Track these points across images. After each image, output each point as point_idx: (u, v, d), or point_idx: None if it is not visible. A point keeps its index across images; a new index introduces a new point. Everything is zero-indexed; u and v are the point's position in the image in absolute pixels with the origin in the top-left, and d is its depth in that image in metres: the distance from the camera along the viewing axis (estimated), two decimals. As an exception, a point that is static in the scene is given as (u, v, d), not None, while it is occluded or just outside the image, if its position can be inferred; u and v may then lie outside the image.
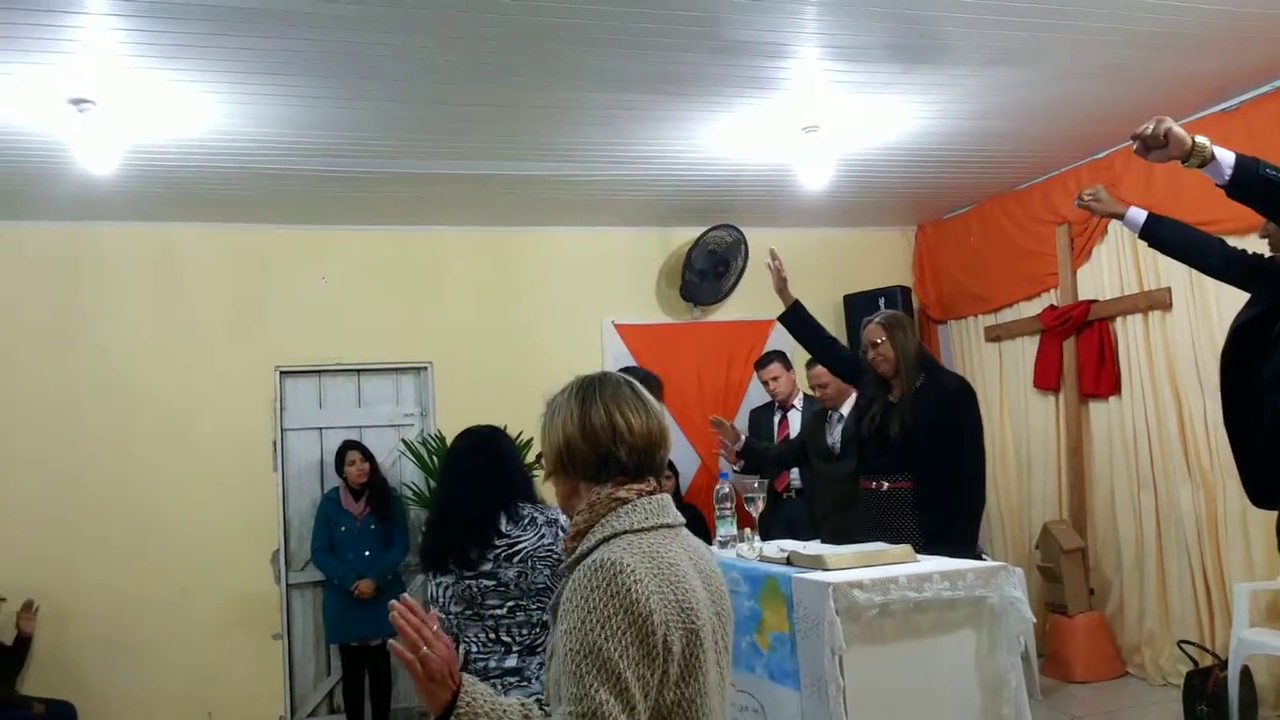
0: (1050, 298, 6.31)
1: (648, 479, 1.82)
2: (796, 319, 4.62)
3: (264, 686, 5.83)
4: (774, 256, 4.69)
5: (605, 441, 1.78)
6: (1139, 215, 3.55)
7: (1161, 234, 3.53)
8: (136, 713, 5.56)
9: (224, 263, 6.04)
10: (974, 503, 4.06)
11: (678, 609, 1.63)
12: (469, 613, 2.97)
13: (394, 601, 1.61)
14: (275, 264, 6.12)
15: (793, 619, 2.75)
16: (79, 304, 5.77)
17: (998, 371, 6.82)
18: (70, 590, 5.51)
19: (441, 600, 3.01)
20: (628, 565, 1.62)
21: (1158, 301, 5.53)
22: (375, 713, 5.77)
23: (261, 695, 5.81)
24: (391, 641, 1.58)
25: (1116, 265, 5.87)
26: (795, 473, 5.65)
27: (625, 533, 1.71)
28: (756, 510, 3.51)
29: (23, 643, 5.30)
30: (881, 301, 6.68)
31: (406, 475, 6.20)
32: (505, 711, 1.56)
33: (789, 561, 2.94)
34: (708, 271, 6.74)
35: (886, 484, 4.08)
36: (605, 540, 1.71)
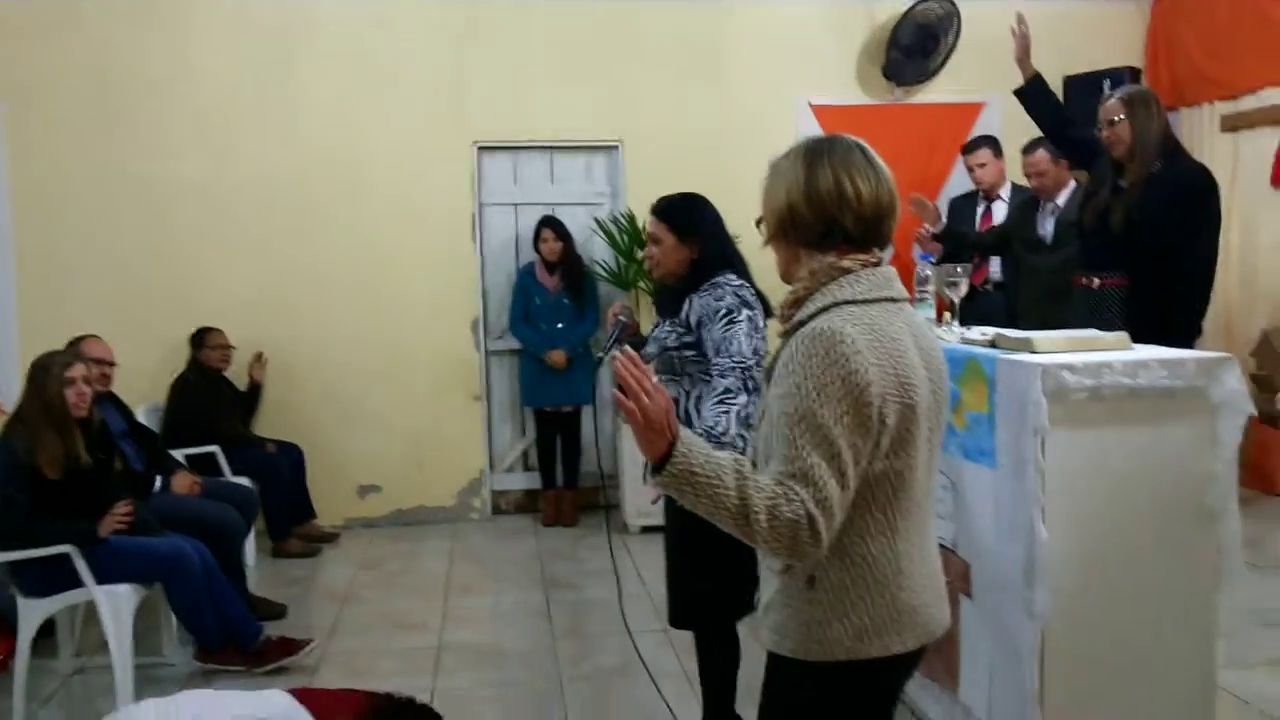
0: (1304, 82, 5.65)
1: (873, 250, 1.77)
2: (1036, 93, 4.24)
3: (466, 443, 6.28)
4: (1020, 21, 4.24)
5: (831, 208, 1.73)
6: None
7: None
8: (355, 459, 6.11)
9: (430, 34, 6.09)
10: (1192, 314, 3.72)
11: (896, 382, 1.63)
12: None
13: (617, 353, 1.63)
14: (477, 36, 6.13)
15: (993, 400, 2.71)
16: (294, 76, 5.98)
17: (1230, 165, 6.22)
18: (295, 350, 6.00)
19: None
20: (847, 335, 1.61)
21: None
22: (566, 473, 6.16)
23: (464, 450, 6.27)
24: (614, 390, 1.61)
25: (1391, 45, 5.16)
26: (995, 266, 5.42)
27: (847, 303, 1.68)
28: (958, 295, 3.41)
29: (254, 389, 5.90)
30: (1106, 84, 6.10)
31: (597, 253, 6.32)
32: (719, 463, 1.57)
33: (994, 344, 2.87)
34: (914, 48, 6.32)
35: (1098, 280, 3.82)
36: (825, 309, 1.69)
